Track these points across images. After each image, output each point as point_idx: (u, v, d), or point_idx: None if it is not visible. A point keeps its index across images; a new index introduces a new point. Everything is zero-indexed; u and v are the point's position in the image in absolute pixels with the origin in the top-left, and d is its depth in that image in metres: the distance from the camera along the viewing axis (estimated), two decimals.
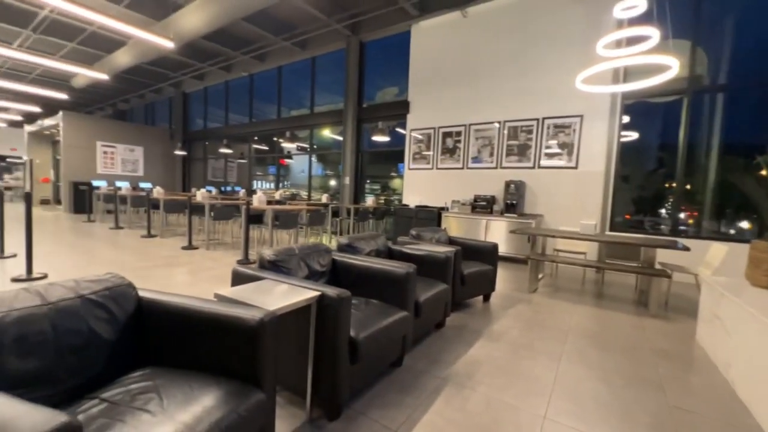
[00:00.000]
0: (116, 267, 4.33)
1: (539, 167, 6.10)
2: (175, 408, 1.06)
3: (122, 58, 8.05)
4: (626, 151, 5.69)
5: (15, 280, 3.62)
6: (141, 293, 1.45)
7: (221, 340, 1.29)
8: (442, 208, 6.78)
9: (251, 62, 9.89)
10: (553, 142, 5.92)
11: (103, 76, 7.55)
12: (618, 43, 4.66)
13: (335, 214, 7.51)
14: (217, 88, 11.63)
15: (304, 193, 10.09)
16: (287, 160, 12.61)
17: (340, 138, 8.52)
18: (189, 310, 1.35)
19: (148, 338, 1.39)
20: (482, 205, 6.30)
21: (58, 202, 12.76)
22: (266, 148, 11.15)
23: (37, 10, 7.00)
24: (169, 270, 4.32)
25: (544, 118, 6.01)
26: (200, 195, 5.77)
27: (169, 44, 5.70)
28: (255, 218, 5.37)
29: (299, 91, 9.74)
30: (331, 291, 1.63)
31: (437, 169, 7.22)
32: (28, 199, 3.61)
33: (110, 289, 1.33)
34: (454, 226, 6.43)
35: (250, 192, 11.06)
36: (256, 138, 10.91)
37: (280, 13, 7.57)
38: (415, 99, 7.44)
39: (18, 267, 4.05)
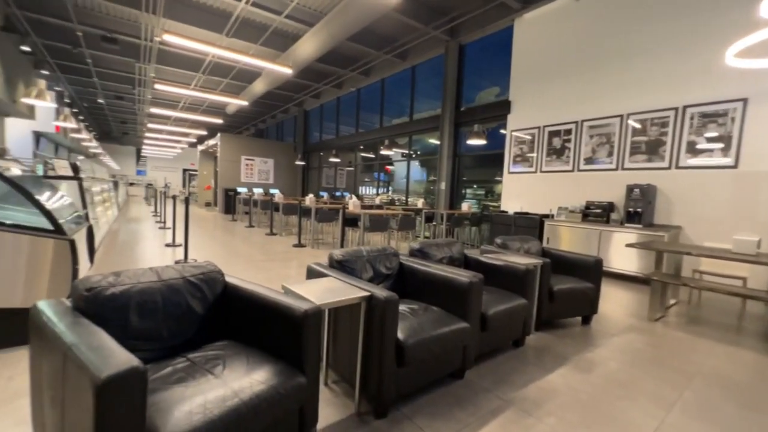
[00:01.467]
0: (243, 259, 5.27)
1: (677, 167, 4.96)
2: (230, 375, 1.27)
3: (258, 87, 9.80)
4: None
5: (177, 262, 4.76)
6: (227, 279, 1.77)
7: (277, 326, 1.49)
8: (546, 216, 6.11)
9: (358, 78, 10.76)
10: (701, 135, 4.74)
11: (244, 103, 9.31)
12: None
13: (429, 219, 7.54)
14: (331, 104, 13.01)
15: (416, 199, 10.30)
16: (391, 167, 13.23)
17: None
18: (256, 296, 1.59)
19: (231, 317, 1.69)
20: (596, 213, 5.45)
21: (216, 204, 16.16)
22: (372, 156, 11.92)
23: (204, 57, 9.08)
24: (280, 263, 5.04)
25: (685, 107, 4.87)
26: (308, 200, 6.57)
27: (288, 71, 6.69)
28: (351, 221, 5.82)
29: (400, 100, 10.13)
30: (380, 293, 1.68)
31: (541, 172, 6.55)
32: (186, 202, 4.71)
33: (205, 274, 1.67)
34: (559, 236, 5.73)
35: (357, 197, 12.00)
36: (362, 147, 11.79)
37: (381, 29, 8.05)
38: (517, 98, 6.93)
39: (180, 253, 5.30)
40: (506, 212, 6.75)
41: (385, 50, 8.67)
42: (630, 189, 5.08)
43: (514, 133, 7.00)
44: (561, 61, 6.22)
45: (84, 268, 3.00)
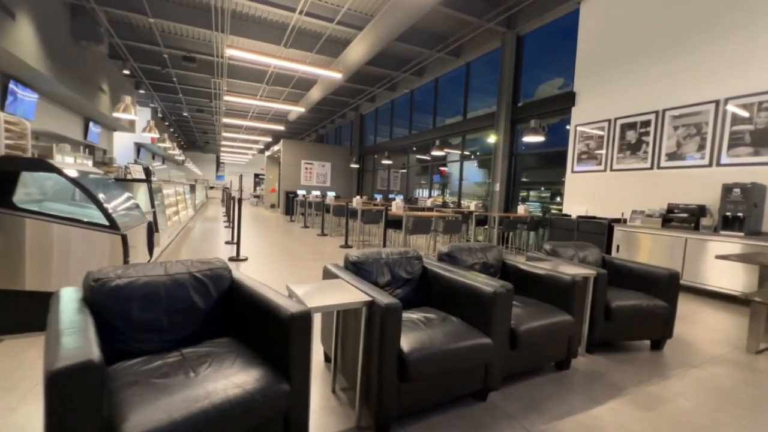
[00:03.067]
0: (291, 257, 5.48)
1: None
2: (212, 375, 1.24)
3: (314, 94, 10.23)
4: None
5: (230, 259, 5.11)
6: (235, 275, 1.77)
7: (269, 326, 1.43)
8: (616, 220, 5.36)
9: (411, 79, 10.66)
10: None
11: (301, 110, 9.78)
12: None
13: (481, 222, 7.11)
14: (385, 107, 13.10)
15: (469, 202, 9.87)
16: (446, 168, 12.85)
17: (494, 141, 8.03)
18: (255, 294, 1.56)
19: (235, 314, 1.69)
20: (681, 218, 4.62)
21: (279, 206, 17.29)
22: (428, 157, 11.71)
23: (267, 68, 9.77)
24: (324, 262, 5.13)
25: None
26: (355, 201, 6.63)
27: (338, 76, 6.85)
28: (395, 223, 5.72)
29: (455, 99, 9.79)
30: (382, 299, 1.54)
31: (611, 170, 5.77)
32: (239, 203, 5.03)
33: (211, 270, 1.69)
34: (632, 244, 4.97)
35: (412, 200, 11.86)
36: (414, 149, 11.65)
37: (431, 27, 7.85)
38: (583, 88, 6.22)
39: (235, 251, 5.69)
40: (569, 216, 6.07)
41: (437, 48, 8.45)
42: (728, 189, 4.20)
43: (579, 128, 6.29)
44: (636, 43, 5.42)
45: (143, 260, 3.33)
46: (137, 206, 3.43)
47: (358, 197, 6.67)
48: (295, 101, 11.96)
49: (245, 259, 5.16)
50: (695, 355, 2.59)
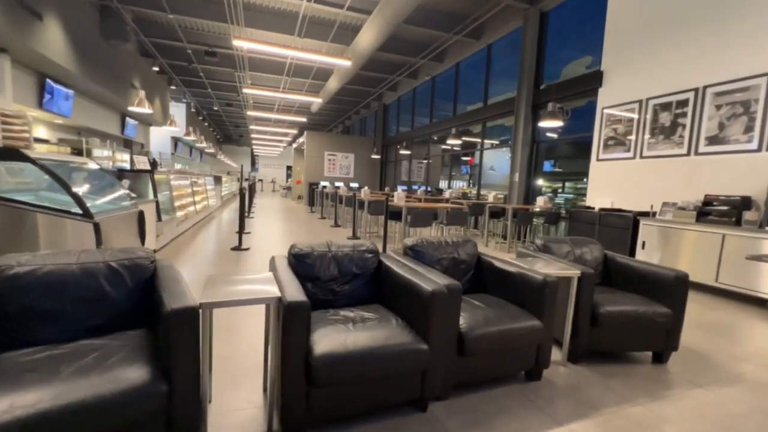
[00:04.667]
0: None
1: None
2: (85, 371, 1.17)
3: (332, 84, 10.15)
4: None
5: (232, 249, 5.20)
6: (160, 265, 1.71)
7: (158, 321, 1.34)
8: (643, 214, 4.79)
9: (431, 65, 10.24)
10: None
11: (319, 101, 9.74)
12: None
13: (495, 215, 6.70)
14: (408, 96, 12.75)
15: (496, 193, 9.32)
16: (471, 158, 12.30)
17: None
18: (158, 285, 1.47)
19: (154, 305, 1.63)
20: (720, 212, 4.01)
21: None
22: (448, 146, 11.27)
23: (284, 60, 9.82)
24: None
25: None
26: (363, 192, 6.50)
27: (347, 63, 6.69)
28: (397, 214, 5.52)
29: (477, 85, 9.28)
30: (291, 296, 1.40)
31: (641, 158, 5.15)
32: (241, 193, 5.09)
33: (131, 260, 1.64)
34: (660, 240, 4.42)
35: (438, 191, 11.48)
36: (435, 138, 11.26)
37: (448, 7, 7.42)
38: (611, 66, 5.58)
39: (246, 241, 5.79)
40: (591, 209, 5.53)
41: (455, 30, 7.99)
42: None
43: (606, 111, 5.67)
44: (674, 11, 4.73)
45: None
46: (128, 195, 3.54)
47: (366, 188, 6.53)
48: (315, 92, 11.98)
49: (247, 249, 5.23)
50: (705, 373, 2.20)
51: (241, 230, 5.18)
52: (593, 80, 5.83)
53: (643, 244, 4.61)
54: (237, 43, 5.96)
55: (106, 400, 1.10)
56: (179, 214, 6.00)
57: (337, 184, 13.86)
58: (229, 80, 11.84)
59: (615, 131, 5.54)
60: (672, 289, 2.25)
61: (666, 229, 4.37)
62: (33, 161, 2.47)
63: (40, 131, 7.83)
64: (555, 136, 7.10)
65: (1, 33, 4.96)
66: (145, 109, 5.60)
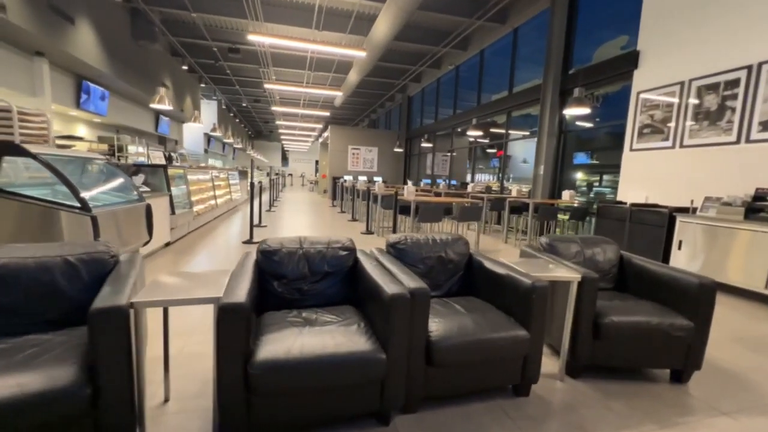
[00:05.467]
0: None
1: None
2: (5, 369, 1.15)
3: (352, 77, 10.04)
4: None
5: (244, 242, 5.28)
6: (124, 259, 1.69)
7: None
8: (682, 210, 4.28)
9: (455, 53, 9.84)
10: None
11: (339, 94, 9.68)
12: None
13: (517, 210, 6.32)
14: (432, 87, 12.39)
15: (520, 187, 8.81)
16: (501, 150, 11.73)
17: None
18: (107, 280, 1.44)
19: None
20: None
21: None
22: (473, 137, 10.84)
23: (304, 54, 9.84)
24: None
25: None
26: (377, 186, 6.36)
27: (362, 54, 6.54)
28: (407, 209, 5.34)
29: (503, 72, 8.79)
30: (229, 296, 1.31)
31: (682, 147, 4.60)
32: (251, 187, 5.13)
33: (89, 254, 1.62)
34: (702, 240, 3.92)
35: (463, 185, 11.09)
36: (459, 130, 10.86)
37: None
38: (649, 45, 5.02)
39: (261, 234, 5.87)
40: (623, 204, 5.03)
41: (477, 15, 7.58)
42: None
43: (642, 95, 5.12)
44: None
45: (141, 239, 3.55)
46: (135, 189, 3.64)
47: (380, 182, 6.39)
48: (338, 86, 11.95)
49: (259, 242, 5.28)
50: (736, 397, 1.87)
51: (252, 224, 5.24)
52: (628, 62, 5.28)
53: (680, 244, 4.11)
54: (252, 37, 5.99)
55: (19, 400, 1.06)
56: (199, 207, 6.19)
57: (360, 178, 13.84)
58: (254, 76, 12.09)
59: (651, 118, 4.99)
60: (695, 299, 1.93)
61: (708, 228, 3.86)
62: (33, 156, 2.57)
63: (81, 130, 8.39)
64: (589, 125, 6.56)
65: (37, 37, 5.29)
66: (166, 106, 5.79)
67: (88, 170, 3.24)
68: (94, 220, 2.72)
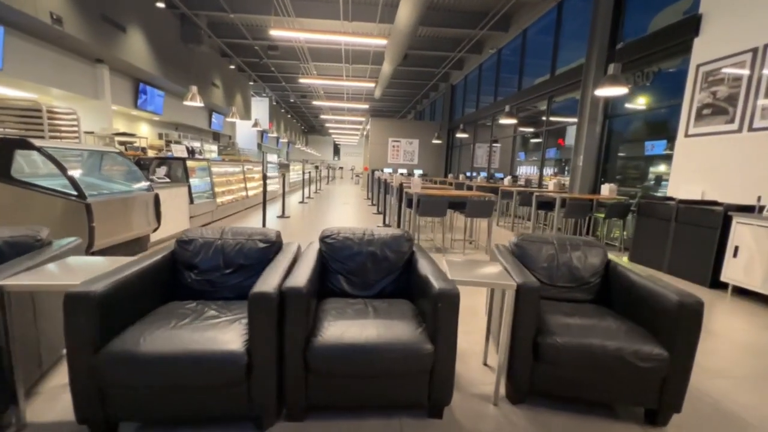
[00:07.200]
0: (318, 232, 5.55)
1: None
2: None
3: (386, 68, 9.85)
4: None
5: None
6: (56, 244, 1.80)
7: None
8: (746, 208, 3.46)
9: (495, 35, 9.13)
10: None
11: (372, 85, 9.59)
12: None
13: (545, 205, 5.68)
14: (474, 74, 11.69)
15: (558, 179, 7.94)
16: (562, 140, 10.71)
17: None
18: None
19: None
20: None
21: None
22: (523, 129, 10.03)
23: (338, 47, 9.89)
24: None
25: None
26: (394, 178, 6.18)
27: (382, 42, 6.35)
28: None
29: (546, 53, 7.95)
30: (87, 283, 1.31)
31: (751, 130, 3.71)
32: (264, 179, 5.30)
33: (14, 237, 1.75)
34: (765, 245, 3.14)
35: (514, 178, 10.33)
36: (498, 119, 10.10)
37: None
38: (713, 6, 4.10)
39: (279, 225, 6.08)
40: (671, 200, 4.23)
41: None
42: None
43: (702, 68, 4.22)
44: None
45: (149, 226, 3.86)
46: (143, 179, 3.95)
47: (398, 173, 6.19)
48: (376, 78, 11.86)
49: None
50: None
51: (264, 216, 5.42)
52: (686, 29, 4.38)
53: (735, 250, 3.32)
54: (274, 32, 6.15)
55: None
56: (226, 198, 6.60)
57: (400, 171, 13.67)
58: (296, 72, 12.52)
59: (714, 95, 4.08)
60: (673, 322, 1.49)
61: None
62: (38, 149, 2.89)
63: (143, 127, 9.45)
64: (643, 107, 5.63)
65: (94, 46, 6.01)
66: (197, 103, 6.23)
67: (100, 163, 3.59)
68: (88, 207, 2.99)
